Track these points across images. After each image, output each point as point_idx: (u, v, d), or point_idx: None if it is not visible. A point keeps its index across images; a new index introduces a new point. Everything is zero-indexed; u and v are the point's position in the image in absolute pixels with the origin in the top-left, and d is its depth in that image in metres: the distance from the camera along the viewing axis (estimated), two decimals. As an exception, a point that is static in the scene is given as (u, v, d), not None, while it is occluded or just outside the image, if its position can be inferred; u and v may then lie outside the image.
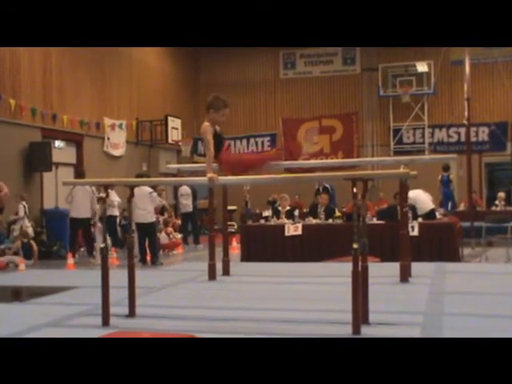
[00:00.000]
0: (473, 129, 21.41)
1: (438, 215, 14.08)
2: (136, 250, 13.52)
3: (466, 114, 16.37)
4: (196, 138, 23.90)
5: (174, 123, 23.16)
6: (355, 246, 5.51)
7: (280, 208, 14.46)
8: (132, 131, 22.28)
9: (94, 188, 14.61)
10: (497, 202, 20.04)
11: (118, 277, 7.02)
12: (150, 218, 13.80)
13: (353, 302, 5.48)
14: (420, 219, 12.93)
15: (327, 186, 18.97)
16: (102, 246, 6.52)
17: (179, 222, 19.23)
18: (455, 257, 12.24)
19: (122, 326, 6.19)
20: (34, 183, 17.13)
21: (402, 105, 24.81)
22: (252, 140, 26.30)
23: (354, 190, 5.59)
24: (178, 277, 9.91)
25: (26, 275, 11.86)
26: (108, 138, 20.78)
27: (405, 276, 8.64)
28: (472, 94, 17.16)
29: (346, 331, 5.46)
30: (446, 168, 19.10)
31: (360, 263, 5.63)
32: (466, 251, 13.64)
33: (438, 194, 19.28)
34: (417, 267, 9.25)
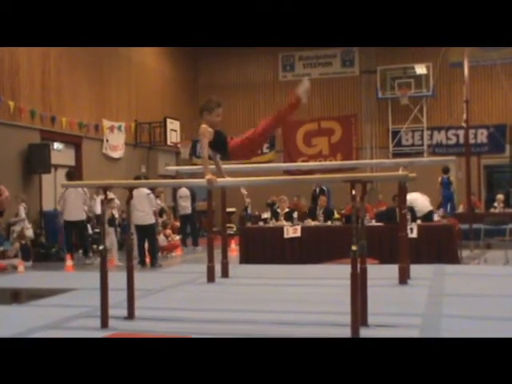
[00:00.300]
0: (471, 131, 21.41)
1: (436, 217, 14.08)
2: (135, 252, 13.54)
3: (465, 116, 16.39)
4: (195, 140, 23.88)
5: (173, 125, 23.15)
6: (354, 247, 5.51)
7: (279, 210, 14.47)
8: (131, 133, 22.27)
9: (86, 189, 14.58)
10: (495, 204, 20.03)
11: (117, 279, 7.02)
12: (149, 219, 13.79)
13: (352, 304, 5.48)
14: (419, 221, 12.94)
15: (324, 188, 18.98)
16: (101, 247, 6.52)
17: (178, 224, 19.23)
18: (454, 259, 12.25)
19: (120, 328, 6.19)
20: (33, 185, 17.12)
21: (401, 107, 24.81)
22: (251, 142, 26.25)
23: (353, 192, 5.59)
24: (177, 279, 9.91)
25: (24, 277, 11.84)
26: (107, 140, 20.77)
27: (403, 278, 8.64)
28: (471, 97, 17.18)
29: (344, 333, 5.46)
30: (446, 170, 19.12)
31: (359, 265, 5.63)
32: (465, 253, 13.63)
33: (437, 195, 19.29)
34: (415, 269, 9.26)
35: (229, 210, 17.49)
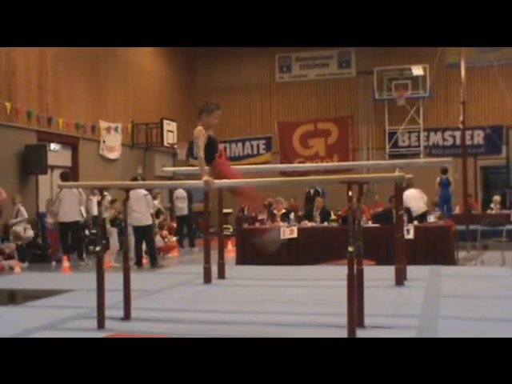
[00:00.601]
0: (468, 132, 21.45)
1: (433, 218, 14.09)
2: (131, 253, 13.55)
3: (462, 117, 16.40)
4: (191, 142, 23.85)
5: (170, 126, 23.15)
6: (350, 249, 5.52)
7: (275, 211, 14.47)
8: (127, 134, 22.25)
9: (81, 190, 14.54)
10: (492, 206, 20.07)
11: (114, 280, 7.02)
12: (146, 220, 13.79)
13: (348, 305, 5.48)
14: (415, 222, 12.96)
15: (319, 189, 18.99)
16: (98, 248, 6.52)
17: (174, 225, 19.22)
18: (450, 260, 12.26)
19: (117, 329, 6.19)
20: (30, 186, 17.11)
21: (398, 108, 24.81)
22: (247, 143, 26.32)
23: (350, 193, 5.60)
24: (174, 280, 9.91)
25: (21, 278, 11.83)
26: (103, 141, 20.76)
27: (400, 279, 8.65)
28: (467, 98, 17.18)
29: (341, 334, 5.46)
30: (445, 171, 19.12)
31: (355, 266, 5.64)
32: (462, 254, 13.65)
33: (434, 196, 19.29)
34: (412, 270, 9.26)
35: (225, 211, 17.46)
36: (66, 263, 13.56)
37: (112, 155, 21.18)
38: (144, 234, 13.78)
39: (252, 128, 26.46)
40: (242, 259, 13.27)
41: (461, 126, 16.71)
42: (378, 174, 15.47)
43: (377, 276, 8.66)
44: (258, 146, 26.42)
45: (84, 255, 14.81)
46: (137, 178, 14.73)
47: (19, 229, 15.08)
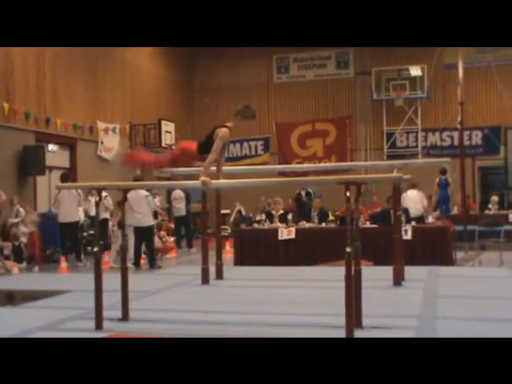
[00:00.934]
0: (466, 133, 21.45)
1: (431, 219, 14.09)
2: (130, 254, 13.56)
3: (460, 117, 16.40)
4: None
5: (168, 127, 23.14)
6: (348, 249, 5.52)
7: (273, 212, 14.47)
8: (125, 135, 22.25)
9: (80, 191, 14.54)
10: (490, 206, 20.06)
11: (112, 281, 7.01)
12: (147, 221, 13.81)
13: (346, 305, 5.48)
14: (413, 222, 12.97)
15: (310, 190, 18.97)
16: (96, 249, 6.51)
17: (172, 225, 19.22)
18: (448, 260, 12.26)
19: (115, 330, 6.19)
20: (28, 187, 17.10)
21: (396, 109, 24.83)
22: (245, 144, 26.31)
23: (348, 193, 5.60)
24: (172, 280, 9.91)
25: (19, 279, 11.83)
26: (101, 142, 20.75)
27: (398, 280, 8.65)
28: (465, 98, 17.19)
29: (339, 335, 5.46)
30: (444, 171, 19.13)
31: (353, 267, 5.64)
32: (459, 255, 13.64)
33: (433, 196, 19.31)
34: (410, 271, 9.27)
35: (223, 211, 17.46)
36: (64, 264, 13.55)
37: (110, 156, 21.17)
38: (144, 234, 13.79)
39: (250, 128, 26.46)
40: (240, 260, 13.27)
41: (459, 126, 16.71)
42: (375, 174, 15.48)
43: (375, 276, 8.66)
44: (256, 146, 26.43)
45: (82, 256, 14.80)
46: (138, 178, 14.73)
47: (24, 230, 15.10)
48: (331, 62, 26.27)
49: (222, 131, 6.12)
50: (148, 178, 21.01)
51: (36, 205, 17.19)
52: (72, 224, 14.65)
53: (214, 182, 6.16)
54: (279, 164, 23.79)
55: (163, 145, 22.84)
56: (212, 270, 9.51)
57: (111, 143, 21.22)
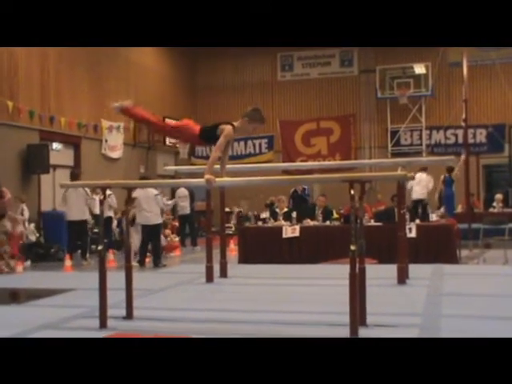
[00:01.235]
0: (470, 130, 21.42)
1: (435, 217, 14.07)
2: (136, 250, 13.61)
3: (464, 115, 16.39)
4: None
5: (172, 125, 23.09)
6: (353, 247, 5.51)
7: (278, 210, 14.47)
8: (129, 133, 22.25)
9: (87, 190, 14.54)
10: (494, 204, 20.03)
11: (116, 279, 7.02)
12: (155, 219, 13.84)
13: (350, 303, 5.48)
14: (418, 221, 12.97)
15: (305, 187, 18.96)
16: (100, 247, 6.52)
17: (177, 224, 19.23)
18: (453, 259, 12.25)
19: (119, 328, 6.19)
20: (32, 185, 17.11)
21: (400, 107, 24.79)
22: (249, 142, 26.30)
23: (352, 191, 5.59)
24: (176, 279, 9.91)
25: (23, 277, 11.84)
26: (106, 140, 20.76)
27: (402, 278, 8.65)
28: (470, 96, 17.17)
29: (343, 333, 5.46)
30: (450, 169, 19.13)
31: (357, 265, 5.63)
32: (464, 253, 13.63)
33: (438, 193, 19.31)
34: (414, 269, 9.26)
35: (228, 209, 17.50)
36: (68, 262, 13.56)
37: (114, 154, 21.19)
38: (152, 233, 13.82)
39: (256, 131, 26.41)
40: (244, 258, 13.27)
41: (463, 124, 16.70)
42: (380, 172, 15.48)
43: (379, 275, 8.65)
44: (260, 144, 26.42)
45: (87, 255, 14.81)
46: (145, 177, 14.70)
47: (21, 228, 15.08)
48: (335, 60, 26.24)
49: (227, 129, 6.09)
50: (151, 176, 21.05)
51: (40, 203, 17.20)
52: (79, 222, 14.65)
53: (218, 180, 6.16)
54: (283, 162, 23.77)
55: (167, 143, 22.85)
56: (216, 268, 9.51)
57: (115, 141, 21.22)
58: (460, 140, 23.26)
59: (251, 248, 13.42)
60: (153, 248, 14.00)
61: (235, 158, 24.31)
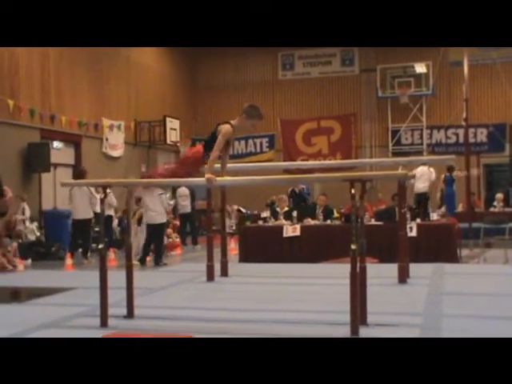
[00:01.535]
0: (471, 130, 21.42)
1: (436, 216, 14.08)
2: (139, 249, 13.64)
3: (465, 115, 16.38)
4: (194, 139, 23.87)
5: (173, 124, 23.14)
6: (353, 246, 5.51)
7: (278, 209, 14.47)
8: (130, 132, 22.27)
9: (92, 189, 14.54)
10: (495, 203, 20.05)
11: (117, 278, 7.02)
12: (160, 219, 13.86)
13: (351, 303, 5.48)
14: (418, 220, 12.96)
15: (303, 186, 18.95)
16: (101, 246, 6.52)
17: (177, 223, 19.24)
18: (453, 258, 12.25)
19: (120, 327, 6.19)
20: (33, 184, 17.13)
21: (401, 106, 24.81)
22: (250, 141, 26.32)
23: (353, 191, 5.59)
24: (177, 278, 9.91)
25: (24, 276, 11.84)
26: (106, 139, 20.78)
27: (403, 277, 8.64)
28: (470, 95, 17.17)
29: (344, 332, 5.46)
30: (451, 169, 19.15)
31: (358, 264, 5.63)
32: (465, 252, 13.63)
33: (439, 192, 19.33)
34: (415, 268, 9.25)
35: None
36: (69, 261, 13.57)
37: (115, 153, 21.21)
38: (156, 232, 13.84)
39: (256, 128, 26.41)
40: (245, 257, 13.27)
41: (464, 123, 16.70)
42: (380, 171, 15.48)
43: (379, 274, 8.65)
44: (260, 143, 26.43)
45: (89, 253, 14.81)
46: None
47: (31, 227, 15.14)
48: (336, 59, 26.26)
49: (225, 127, 6.12)
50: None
51: (41, 202, 17.21)
52: (84, 221, 14.66)
53: (218, 179, 6.16)
54: (284, 161, 23.77)
55: (168, 142, 22.85)
56: (217, 267, 9.51)
57: (116, 140, 21.24)
58: (461, 139, 23.27)
59: (252, 247, 13.42)
60: (155, 247, 14.02)
61: (236, 157, 24.34)
